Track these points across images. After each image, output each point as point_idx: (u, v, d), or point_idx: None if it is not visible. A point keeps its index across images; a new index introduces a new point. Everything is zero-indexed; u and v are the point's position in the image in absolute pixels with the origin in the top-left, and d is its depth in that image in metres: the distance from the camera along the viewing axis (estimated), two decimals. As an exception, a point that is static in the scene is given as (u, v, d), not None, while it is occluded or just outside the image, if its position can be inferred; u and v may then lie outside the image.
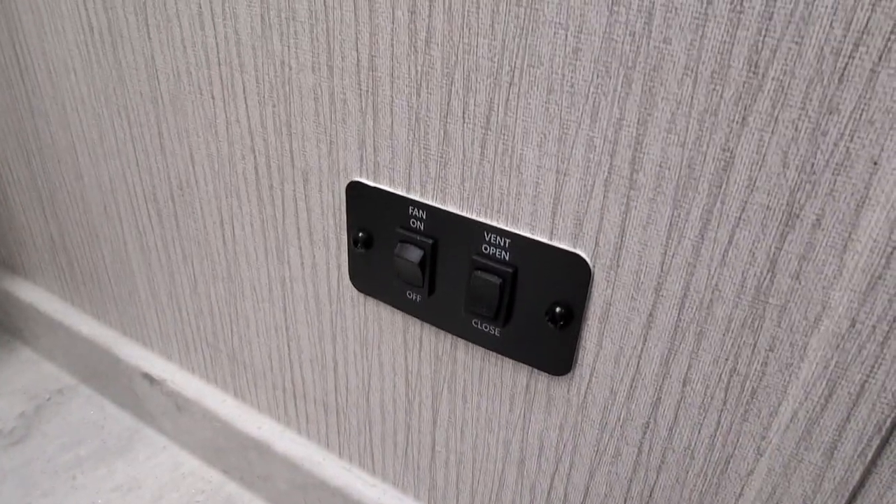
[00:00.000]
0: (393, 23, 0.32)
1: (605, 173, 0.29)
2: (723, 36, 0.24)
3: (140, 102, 0.47)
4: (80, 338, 0.66)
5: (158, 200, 0.51)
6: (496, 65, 0.30)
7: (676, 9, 0.25)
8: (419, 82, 0.33)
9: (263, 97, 0.39)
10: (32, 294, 0.71)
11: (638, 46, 0.26)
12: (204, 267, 0.51)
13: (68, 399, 0.69)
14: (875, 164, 0.23)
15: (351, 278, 0.41)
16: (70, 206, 0.60)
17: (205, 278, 0.52)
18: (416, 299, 0.39)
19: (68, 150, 0.55)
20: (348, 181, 0.38)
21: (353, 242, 0.39)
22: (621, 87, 0.27)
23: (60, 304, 0.69)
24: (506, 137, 0.31)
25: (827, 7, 0.22)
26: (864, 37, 0.22)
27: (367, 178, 0.37)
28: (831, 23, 0.22)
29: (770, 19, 0.23)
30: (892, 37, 0.22)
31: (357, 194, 0.38)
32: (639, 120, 0.27)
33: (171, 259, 0.53)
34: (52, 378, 0.71)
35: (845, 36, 0.22)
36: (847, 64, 0.23)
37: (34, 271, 0.71)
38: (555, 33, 0.28)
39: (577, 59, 0.28)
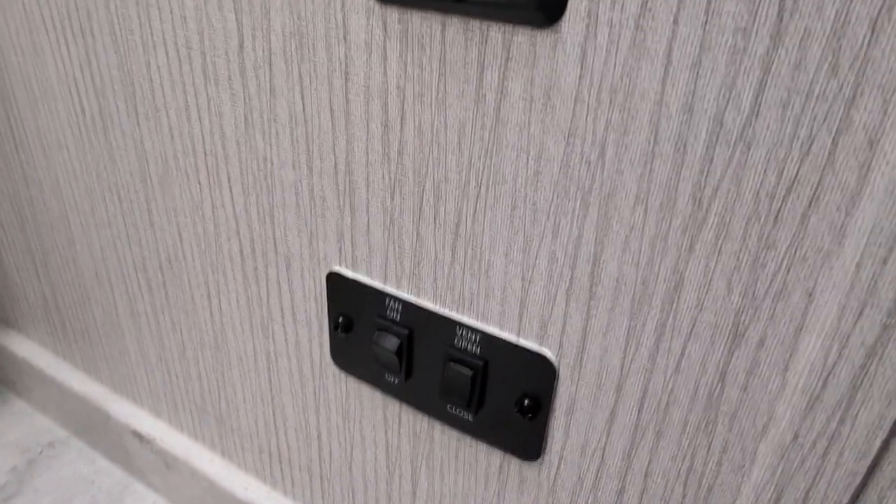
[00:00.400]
0: (367, 134, 0.34)
1: (567, 283, 0.31)
2: (669, 173, 0.26)
3: (130, 181, 0.48)
4: (72, 393, 0.67)
5: (148, 270, 0.52)
6: (463, 179, 0.32)
7: (627, 145, 0.27)
8: (393, 188, 0.34)
9: (247, 187, 0.41)
10: (25, 348, 0.72)
11: (593, 175, 0.28)
12: (192, 335, 0.53)
13: (60, 453, 0.70)
14: (810, 296, 0.25)
15: (332, 357, 0.43)
16: (62, 269, 0.61)
17: (193, 345, 0.53)
18: (394, 381, 0.40)
19: (61, 219, 0.57)
20: (328, 270, 0.40)
21: (334, 326, 0.41)
22: (579, 208, 0.29)
23: (53, 358, 0.70)
24: (474, 244, 0.33)
25: (761, 157, 0.24)
26: (795, 185, 0.24)
27: (346, 268, 0.39)
28: (765, 170, 0.24)
29: (711, 162, 0.25)
30: (820, 187, 0.23)
31: (337, 283, 0.40)
32: (596, 239, 0.29)
33: (161, 325, 0.55)
34: (44, 431, 0.72)
35: (778, 183, 0.24)
36: (781, 207, 0.24)
37: (27, 326, 0.72)
38: (517, 156, 0.30)
39: (538, 181, 0.29)
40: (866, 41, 0.21)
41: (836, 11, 0.21)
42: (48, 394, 0.71)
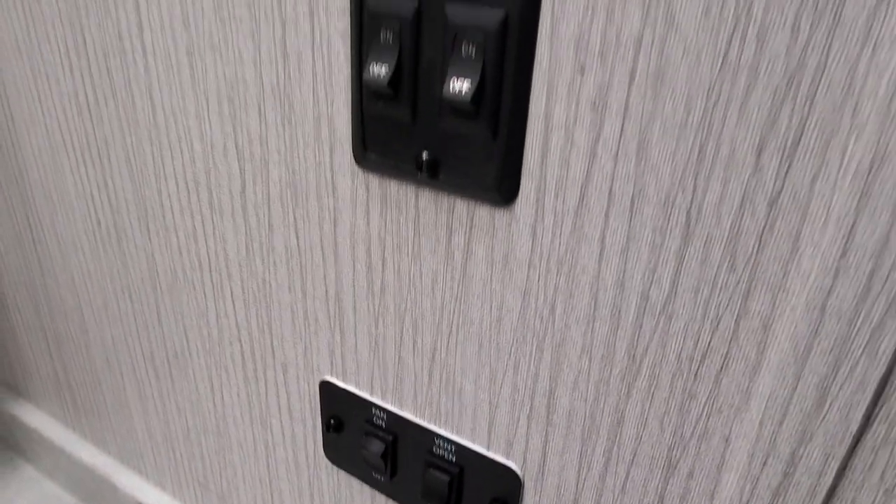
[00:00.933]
0: (354, 272, 0.39)
1: (528, 410, 0.35)
2: (607, 332, 0.31)
3: (141, 286, 0.53)
4: (81, 463, 0.71)
5: (156, 361, 0.57)
6: (437, 318, 0.36)
7: (573, 306, 0.31)
8: (377, 317, 0.39)
9: (248, 302, 0.46)
10: (37, 418, 0.76)
11: (545, 326, 0.33)
12: (196, 421, 0.57)
13: (68, 519, 0.73)
14: (727, 441, 0.30)
15: (325, 452, 0.47)
16: (74, 353, 0.65)
17: (197, 430, 0.57)
18: (380, 479, 0.45)
19: (75, 309, 0.62)
20: (321, 379, 0.44)
21: (326, 427, 0.45)
22: (535, 352, 0.33)
23: (63, 430, 0.74)
24: (448, 370, 0.37)
25: (680, 327, 0.29)
26: (709, 352, 0.28)
27: (337, 378, 0.44)
28: (684, 338, 0.29)
29: (640, 328, 0.30)
30: (728, 356, 0.28)
31: (328, 390, 0.44)
32: (550, 377, 0.34)
33: (167, 409, 0.59)
34: (53, 498, 0.76)
35: (695, 349, 0.29)
36: (699, 368, 0.29)
37: (39, 398, 0.76)
38: (482, 304, 0.34)
39: (500, 326, 0.34)
40: (755, 248, 0.26)
41: (731, 223, 0.26)
42: (57, 462, 0.75)
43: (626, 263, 0.29)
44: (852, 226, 0.23)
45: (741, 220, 0.26)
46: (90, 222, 0.54)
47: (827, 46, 0.22)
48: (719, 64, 0.24)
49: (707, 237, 0.27)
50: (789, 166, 0.24)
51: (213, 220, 0.44)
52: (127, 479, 0.68)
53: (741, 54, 0.23)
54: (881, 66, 0.21)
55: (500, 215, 0.31)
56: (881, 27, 0.21)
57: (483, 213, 0.32)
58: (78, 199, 0.53)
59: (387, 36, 0.30)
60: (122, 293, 0.55)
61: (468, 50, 0.28)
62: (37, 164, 0.55)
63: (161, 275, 0.51)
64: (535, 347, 0.33)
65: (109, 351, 0.61)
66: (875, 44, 0.21)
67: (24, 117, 0.53)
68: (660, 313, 0.29)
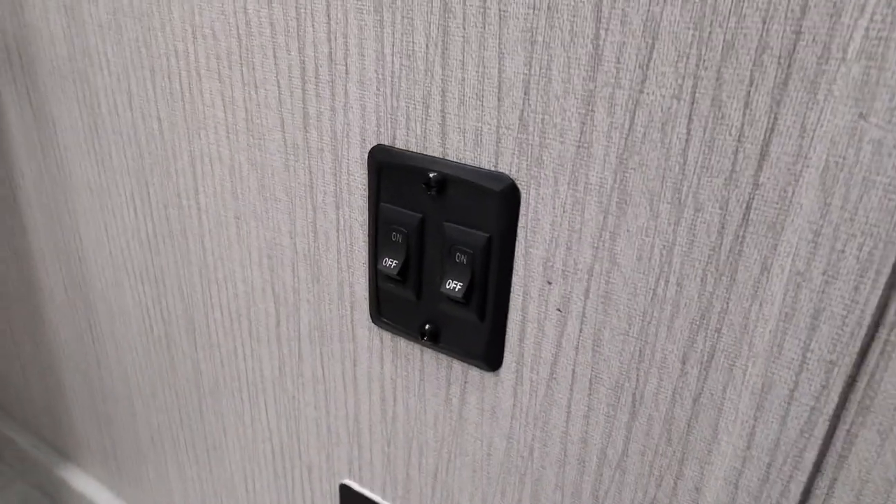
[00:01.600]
0: (370, 401, 0.46)
1: (514, 529, 0.42)
2: (574, 476, 0.37)
3: (186, 385, 0.61)
4: (124, 528, 0.79)
5: (196, 449, 0.64)
6: (439, 446, 0.43)
7: (547, 452, 0.38)
8: (388, 439, 0.46)
9: (279, 412, 0.53)
10: (84, 483, 0.84)
11: (525, 465, 0.39)
12: (230, 503, 0.64)
13: (111, 578, 0.81)
14: (672, 572, 0.36)
15: (343, 542, 0.54)
16: (123, 430, 0.73)
17: (231, 509, 0.65)
18: (391, 571, 0.51)
19: (125, 397, 0.70)
20: (341, 482, 0.51)
21: (345, 523, 0.52)
22: (518, 482, 0.40)
23: (108, 495, 0.82)
24: (448, 489, 0.44)
25: (632, 480, 0.35)
26: (655, 502, 0.35)
27: (355, 482, 0.51)
28: (635, 489, 0.35)
29: (601, 476, 0.36)
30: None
31: (347, 492, 0.51)
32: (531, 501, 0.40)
33: (205, 491, 0.66)
34: (97, 556, 0.84)
35: (644, 497, 0.35)
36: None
37: (87, 465, 0.84)
38: (475, 441, 0.41)
39: (489, 459, 0.41)
40: (686, 429, 0.32)
41: (666, 409, 0.33)
42: (102, 524, 0.83)
43: (587, 426, 0.36)
44: (753, 428, 0.30)
45: (674, 407, 0.32)
46: (144, 329, 0.62)
47: (727, 298, 0.29)
48: (650, 296, 0.31)
49: (649, 416, 0.33)
50: (706, 375, 0.31)
51: (251, 345, 0.52)
52: (165, 545, 0.75)
53: (666, 292, 0.30)
54: (766, 316, 0.28)
55: (489, 377, 0.39)
56: (766, 288, 0.28)
57: (475, 374, 0.39)
58: (134, 309, 0.62)
59: (396, 237, 0.37)
60: (169, 389, 0.63)
61: (461, 259, 0.35)
62: (100, 278, 0.64)
63: (204, 379, 0.58)
64: (517, 479, 0.40)
65: (154, 433, 0.69)
66: (762, 301, 0.28)
67: (92, 240, 0.62)
68: (615, 467, 0.36)
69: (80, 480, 0.84)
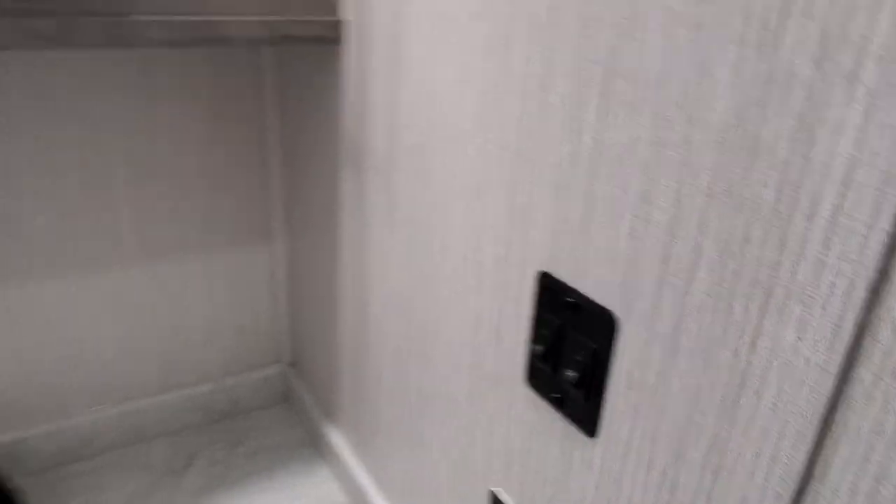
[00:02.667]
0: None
1: None
2: (632, 529, 0.52)
3: (411, 390, 0.86)
4: (355, 481, 1.08)
5: (412, 437, 0.90)
6: (553, 480, 0.61)
7: (618, 506, 0.53)
8: (522, 465, 0.65)
9: (460, 428, 0.75)
10: (338, 440, 1.16)
11: (604, 511, 0.55)
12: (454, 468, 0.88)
13: (338, 513, 1.11)
14: None
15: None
16: (368, 409, 1.02)
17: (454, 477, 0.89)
18: (513, 565, 0.69)
19: (375, 385, 0.98)
20: (489, 488, 0.71)
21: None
22: (598, 524, 0.56)
23: (351, 454, 1.13)
24: (555, 514, 0.61)
25: (666, 543, 0.49)
26: (679, 563, 0.48)
27: (503, 492, 0.70)
28: (668, 550, 0.49)
29: (648, 534, 0.51)
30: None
31: (495, 500, 0.71)
32: None
33: (412, 475, 0.92)
34: (331, 494, 1.15)
35: (673, 558, 0.49)
36: (674, 570, 0.49)
37: (344, 428, 1.16)
38: (574, 484, 0.58)
39: (583, 502, 0.57)
40: (702, 515, 0.46)
41: None
42: (341, 474, 1.13)
43: (644, 494, 0.51)
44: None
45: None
46: (396, 344, 0.89)
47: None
48: (687, 422, 0.45)
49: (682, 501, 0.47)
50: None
51: (454, 373, 0.75)
52: (379, 501, 1.03)
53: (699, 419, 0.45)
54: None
55: (588, 441, 0.55)
56: None
57: (580, 436, 0.56)
58: (396, 329, 0.89)
59: (544, 331, 0.57)
60: (402, 388, 0.89)
61: (578, 356, 0.53)
62: (377, 302, 0.93)
63: (424, 388, 0.83)
64: (599, 521, 0.56)
65: (388, 418, 0.96)
66: None
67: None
68: (657, 530, 0.50)
69: (335, 437, 1.17)
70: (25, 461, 1.12)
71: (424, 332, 0.80)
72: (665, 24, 0.42)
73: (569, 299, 0.54)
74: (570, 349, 0.54)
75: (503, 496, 0.69)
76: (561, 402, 0.57)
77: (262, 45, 0.81)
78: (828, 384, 0.36)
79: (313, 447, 1.24)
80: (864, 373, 0.34)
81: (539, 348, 0.57)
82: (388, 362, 0.92)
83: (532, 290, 0.59)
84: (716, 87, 0.39)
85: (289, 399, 1.35)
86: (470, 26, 0.60)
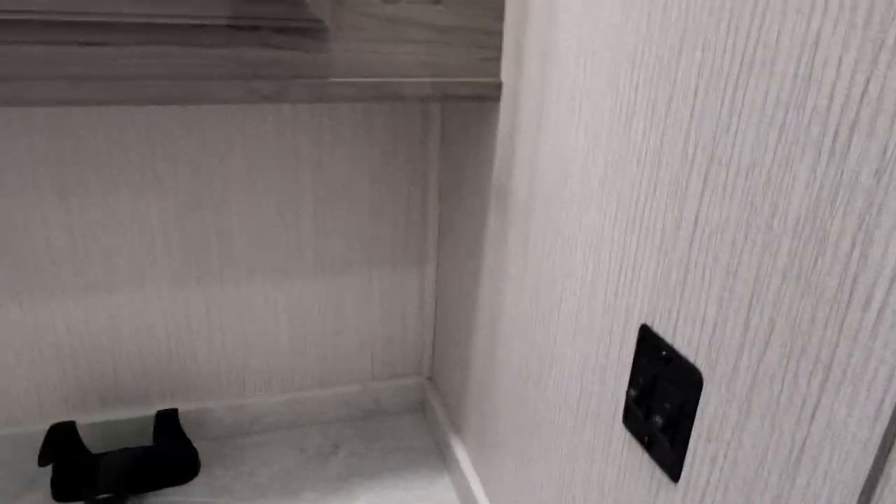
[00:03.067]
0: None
1: None
2: (703, 571, 0.57)
3: (528, 413, 0.95)
4: (472, 494, 1.18)
5: (524, 458, 0.98)
6: (640, 517, 0.66)
7: None
8: (615, 499, 0.71)
9: (568, 454, 0.82)
10: (462, 453, 1.27)
11: None
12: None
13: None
14: None
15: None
16: (490, 427, 1.12)
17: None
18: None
19: (500, 405, 1.08)
20: (588, 517, 0.77)
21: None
22: None
23: (471, 467, 1.23)
24: (639, 548, 0.67)
25: (730, 588, 0.53)
26: None
27: (595, 521, 0.76)
28: None
29: (716, 577, 0.55)
30: None
31: (589, 525, 0.77)
32: None
33: (522, 491, 0.99)
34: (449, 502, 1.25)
35: None
36: None
37: (468, 442, 1.27)
38: (658, 523, 0.63)
39: (663, 539, 0.62)
40: (763, 567, 0.50)
41: (756, 548, 0.51)
42: (460, 484, 1.24)
43: (715, 540, 0.55)
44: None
45: (759, 548, 0.50)
46: (520, 369, 0.98)
47: (786, 489, 0.47)
48: (761, 483, 0.50)
49: (744, 548, 0.52)
50: (774, 534, 0.48)
51: (559, 406, 0.82)
52: (490, 515, 1.11)
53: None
54: (804, 510, 0.45)
55: (672, 485, 0.61)
56: None
57: (665, 479, 0.61)
58: (518, 359, 0.99)
59: (639, 379, 0.63)
60: (520, 411, 0.98)
61: (666, 405, 0.59)
62: (509, 329, 1.03)
63: (538, 413, 0.91)
64: None
65: (507, 438, 1.05)
66: None
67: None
68: (724, 575, 0.54)
69: (459, 449, 1.28)
70: (207, 428, 1.36)
71: (541, 360, 0.88)
72: (758, 124, 0.48)
73: (663, 352, 0.60)
74: (661, 397, 0.60)
75: (597, 525, 0.75)
76: (650, 445, 0.63)
77: (430, 101, 0.95)
78: (868, 460, 0.40)
79: (440, 456, 1.36)
80: (903, 454, 0.38)
81: (634, 393, 0.64)
82: (510, 384, 1.01)
83: (634, 339, 0.65)
84: (795, 183, 0.45)
85: (424, 409, 1.49)
86: (600, 100, 0.68)
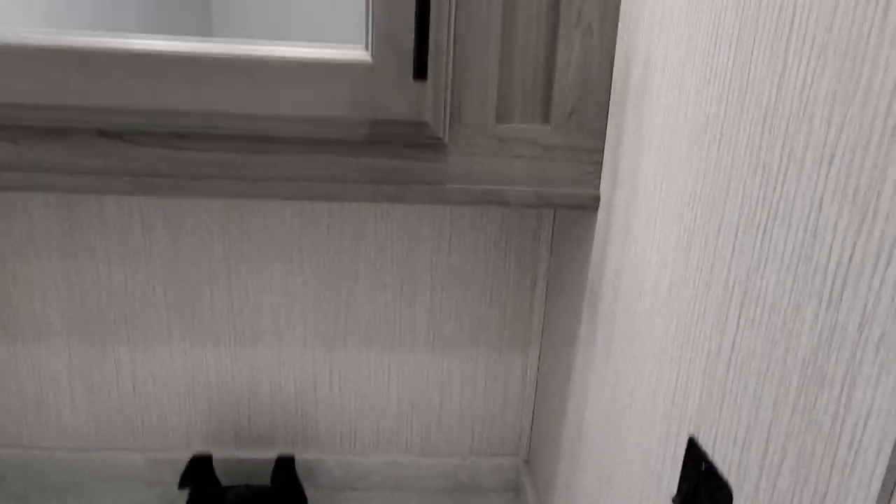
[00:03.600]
0: None
1: None
2: None
3: (609, 470, 0.98)
4: (550, 581, 1.20)
5: (594, 553, 1.00)
6: None
7: None
8: None
9: (629, 555, 0.85)
10: (536, 495, 1.30)
11: None
12: None
13: None
14: None
15: None
16: (573, 477, 1.15)
17: None
18: None
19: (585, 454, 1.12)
20: None
21: None
22: None
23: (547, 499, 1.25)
24: None
25: None
26: None
27: None
28: None
29: None
30: None
31: None
32: None
33: (590, 582, 1.02)
34: (532, 589, 1.27)
35: None
36: None
37: (544, 496, 1.30)
38: None
39: None
40: None
41: None
42: (543, 572, 1.26)
43: None
44: None
45: None
46: (601, 414, 1.03)
47: None
48: (765, 590, 0.53)
49: None
50: None
51: (632, 457, 0.86)
52: None
53: None
54: None
55: None
56: None
57: (701, 588, 0.64)
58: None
59: (683, 485, 0.67)
60: (608, 471, 1.02)
61: (702, 516, 0.63)
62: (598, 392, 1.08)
63: (617, 476, 0.95)
64: None
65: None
66: None
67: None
68: None
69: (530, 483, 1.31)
70: (319, 477, 1.51)
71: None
72: (779, 269, 0.54)
73: (704, 465, 0.64)
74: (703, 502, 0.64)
75: None
76: (690, 552, 0.66)
77: (532, 207, 1.07)
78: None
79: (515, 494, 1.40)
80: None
81: (678, 499, 0.68)
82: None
83: (683, 448, 0.70)
84: (804, 326, 0.50)
85: (517, 489, 1.53)
86: (669, 224, 0.76)
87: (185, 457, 1.44)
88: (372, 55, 0.94)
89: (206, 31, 0.95)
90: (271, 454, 1.48)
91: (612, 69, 1.00)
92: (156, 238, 1.35)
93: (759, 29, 0.58)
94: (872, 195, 0.43)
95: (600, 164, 1.05)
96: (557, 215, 1.34)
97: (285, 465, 1.42)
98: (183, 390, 1.45)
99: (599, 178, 1.06)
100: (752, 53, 0.59)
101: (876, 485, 0.42)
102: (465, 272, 1.40)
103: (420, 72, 0.94)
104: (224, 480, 1.44)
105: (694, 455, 0.66)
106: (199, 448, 1.49)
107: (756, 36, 0.58)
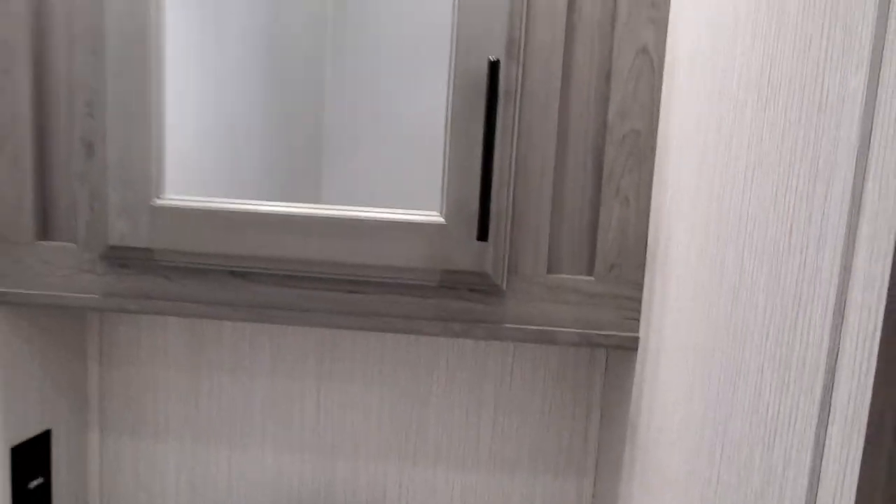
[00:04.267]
0: None
1: None
2: None
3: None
4: None
5: None
6: None
7: None
8: None
9: None
10: None
11: None
12: None
13: None
14: None
15: None
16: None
17: None
18: None
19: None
20: None
21: None
22: None
23: None
24: None
25: None
26: None
27: None
28: None
29: None
30: None
31: None
32: None
33: None
34: None
35: None
36: None
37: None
38: None
39: None
40: None
41: None
42: None
43: None
44: None
45: None
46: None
47: None
48: None
49: None
50: None
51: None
52: None
53: None
54: None
55: None
56: None
57: None
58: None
59: None
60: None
61: None
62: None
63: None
64: None
65: None
66: None
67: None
68: None
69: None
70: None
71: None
72: (742, 418, 0.68)
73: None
74: None
75: None
76: None
77: (578, 346, 1.23)
78: None
79: None
80: None
81: None
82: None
83: None
84: (753, 465, 0.64)
85: None
86: (678, 372, 0.90)
87: (266, 555, 1.60)
88: (445, 218, 1.18)
89: (315, 198, 1.22)
90: (342, 558, 1.61)
91: (646, 233, 1.19)
92: (261, 356, 1.60)
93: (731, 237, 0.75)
94: (792, 363, 0.58)
95: (639, 310, 1.21)
96: (609, 352, 1.49)
97: (353, 572, 1.55)
98: (269, 491, 1.63)
99: (638, 322, 1.21)
100: (723, 258, 0.76)
101: None
102: (526, 401, 1.54)
103: (482, 235, 1.16)
104: (297, 581, 1.58)
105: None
106: (279, 547, 1.65)
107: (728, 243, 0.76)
